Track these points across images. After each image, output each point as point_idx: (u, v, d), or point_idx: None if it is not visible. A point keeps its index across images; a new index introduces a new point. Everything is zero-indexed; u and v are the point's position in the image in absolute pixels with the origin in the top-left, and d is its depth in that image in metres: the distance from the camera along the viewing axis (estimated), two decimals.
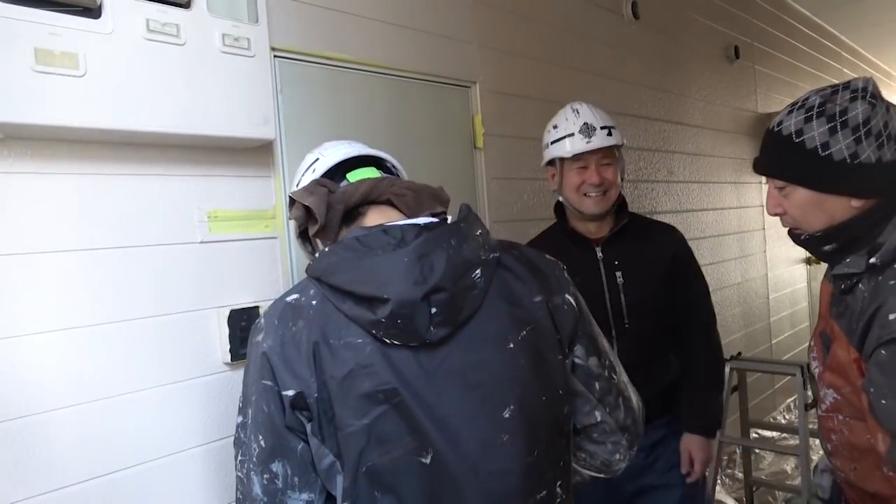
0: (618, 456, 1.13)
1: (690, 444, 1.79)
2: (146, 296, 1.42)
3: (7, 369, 1.23)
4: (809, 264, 5.11)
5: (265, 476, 0.93)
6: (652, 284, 1.77)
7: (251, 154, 1.60)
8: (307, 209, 1.02)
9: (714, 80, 3.91)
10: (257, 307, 1.59)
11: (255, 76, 1.48)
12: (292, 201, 1.05)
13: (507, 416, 0.93)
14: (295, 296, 0.96)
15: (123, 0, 1.27)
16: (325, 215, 1.00)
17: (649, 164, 3.21)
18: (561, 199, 1.84)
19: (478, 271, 0.94)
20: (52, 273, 1.29)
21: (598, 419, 1.08)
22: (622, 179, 1.82)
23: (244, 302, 1.58)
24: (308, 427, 0.91)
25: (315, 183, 1.05)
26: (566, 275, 1.08)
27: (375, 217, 1.01)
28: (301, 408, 0.91)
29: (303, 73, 1.74)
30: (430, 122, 2.12)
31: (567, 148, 1.76)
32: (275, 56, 1.64)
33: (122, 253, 1.39)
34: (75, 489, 1.30)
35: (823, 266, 1.28)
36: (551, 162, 1.82)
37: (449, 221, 0.99)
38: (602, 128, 1.75)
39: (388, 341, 0.90)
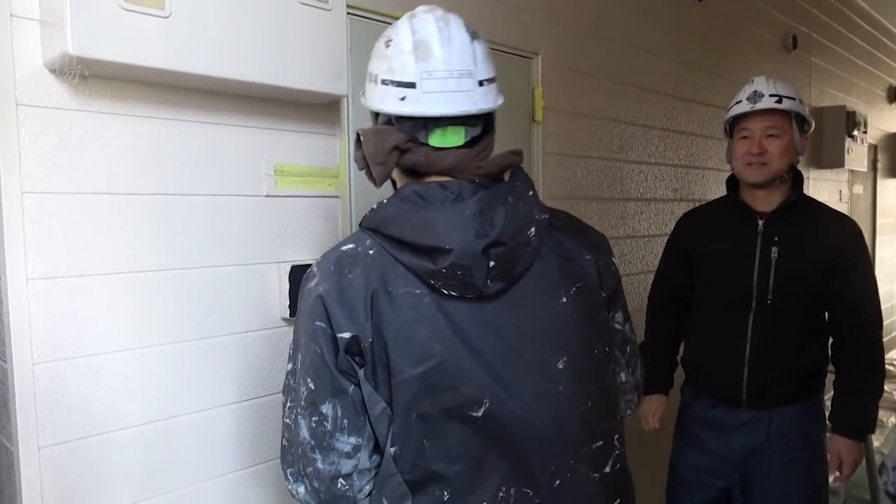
0: (628, 412, 1.19)
1: (840, 445, 1.77)
2: (211, 245, 1.42)
3: (71, 309, 1.23)
4: None
5: (313, 419, 0.93)
6: (807, 268, 1.74)
7: (320, 111, 1.58)
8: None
9: (770, 68, 3.79)
10: None
11: (331, 30, 1.46)
12: (358, 140, 0.97)
13: (560, 367, 0.94)
14: (350, 245, 0.95)
15: None
16: (383, 181, 0.97)
17: (701, 151, 3.14)
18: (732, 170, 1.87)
19: (532, 229, 0.95)
20: (120, 215, 1.29)
21: (623, 380, 1.14)
22: (799, 154, 1.79)
23: (305, 259, 1.57)
24: (361, 372, 0.92)
25: (388, 136, 0.93)
26: (608, 244, 1.11)
27: (438, 177, 0.97)
28: (354, 352, 0.91)
29: (372, 32, 1.70)
30: None
31: (730, 112, 1.81)
32: (348, 13, 1.62)
33: (189, 200, 1.39)
34: (133, 431, 1.32)
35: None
36: (727, 133, 1.87)
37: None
38: (772, 95, 1.74)
39: (445, 292, 0.91)
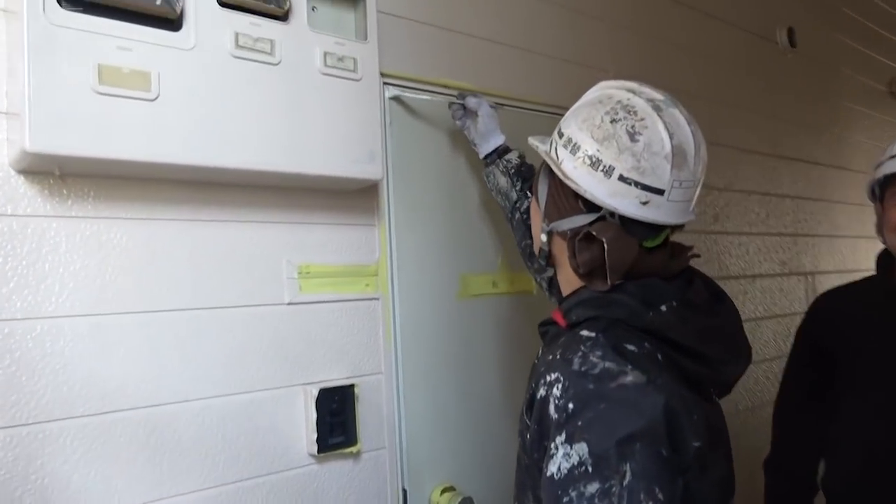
0: None
1: None
2: (221, 370, 1.16)
3: (37, 464, 0.98)
4: None
5: None
6: None
7: (352, 198, 1.33)
8: (601, 260, 0.88)
9: (876, 119, 3.36)
10: (352, 385, 1.29)
11: (361, 103, 1.22)
12: (591, 239, 0.88)
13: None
14: (632, 347, 0.86)
15: (209, 9, 1.04)
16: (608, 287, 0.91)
17: (810, 216, 2.72)
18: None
19: None
20: (110, 340, 1.05)
21: None
22: None
23: (336, 378, 1.28)
24: (680, 480, 0.83)
25: (630, 245, 0.89)
26: None
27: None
28: (693, 463, 0.84)
29: (414, 104, 1.46)
30: None
31: (881, 171, 1.43)
32: (384, 83, 1.38)
33: (194, 316, 1.14)
34: None
35: None
36: (875, 198, 1.49)
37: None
38: None
39: (706, 395, 0.94)
